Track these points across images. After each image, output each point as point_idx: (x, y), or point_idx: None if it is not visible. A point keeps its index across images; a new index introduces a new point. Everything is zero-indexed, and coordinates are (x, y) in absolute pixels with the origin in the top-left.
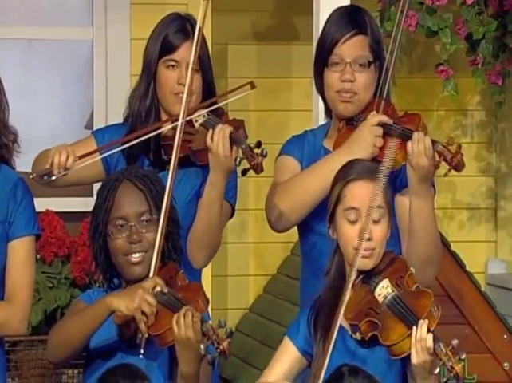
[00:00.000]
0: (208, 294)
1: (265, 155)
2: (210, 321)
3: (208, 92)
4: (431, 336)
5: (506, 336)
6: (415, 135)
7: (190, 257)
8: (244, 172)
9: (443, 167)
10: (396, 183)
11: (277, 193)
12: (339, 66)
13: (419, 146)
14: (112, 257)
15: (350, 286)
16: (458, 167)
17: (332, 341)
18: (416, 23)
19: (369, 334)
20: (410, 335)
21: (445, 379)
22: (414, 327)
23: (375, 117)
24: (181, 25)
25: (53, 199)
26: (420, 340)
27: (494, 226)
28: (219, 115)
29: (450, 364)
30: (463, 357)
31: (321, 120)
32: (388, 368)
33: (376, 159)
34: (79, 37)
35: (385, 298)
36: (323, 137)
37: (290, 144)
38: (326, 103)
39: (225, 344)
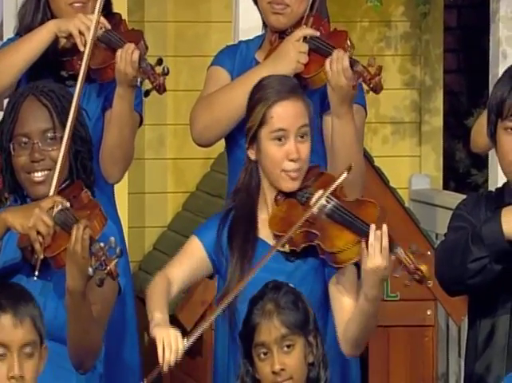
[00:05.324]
0: (125, 212)
1: (166, 74)
2: (101, 244)
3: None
4: (385, 229)
5: (429, 252)
6: (335, 53)
7: (104, 173)
8: (146, 93)
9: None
10: (325, 102)
11: (201, 106)
12: None
13: (337, 65)
14: (16, 174)
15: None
16: (376, 89)
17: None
18: None
19: (302, 245)
20: (359, 242)
21: (407, 282)
22: (371, 233)
23: (299, 31)
24: None
25: None
26: (377, 243)
27: (418, 140)
28: (117, 24)
29: (413, 266)
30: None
31: (241, 31)
32: (314, 280)
33: (300, 76)
34: None
35: (323, 207)
36: (256, 48)
37: (222, 54)
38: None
39: (112, 265)
